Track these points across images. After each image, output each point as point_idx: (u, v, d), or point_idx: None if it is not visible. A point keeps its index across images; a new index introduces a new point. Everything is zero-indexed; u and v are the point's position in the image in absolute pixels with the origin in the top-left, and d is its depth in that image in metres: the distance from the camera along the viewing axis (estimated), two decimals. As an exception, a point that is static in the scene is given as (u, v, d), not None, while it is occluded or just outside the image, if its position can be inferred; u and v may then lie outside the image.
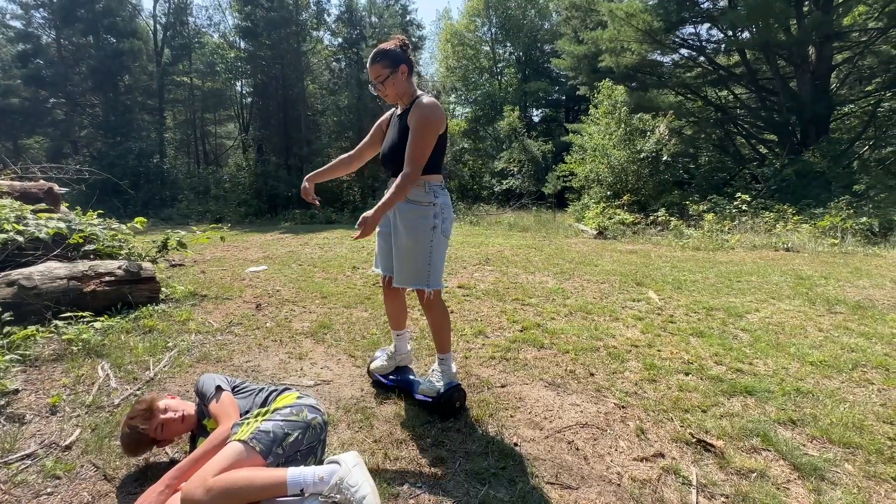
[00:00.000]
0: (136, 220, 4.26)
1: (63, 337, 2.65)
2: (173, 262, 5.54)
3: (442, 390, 1.99)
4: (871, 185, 8.96)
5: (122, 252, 3.89)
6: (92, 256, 3.72)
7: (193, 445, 1.68)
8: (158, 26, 21.86)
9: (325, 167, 2.26)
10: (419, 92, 1.95)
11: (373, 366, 2.31)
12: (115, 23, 19.19)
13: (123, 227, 4.22)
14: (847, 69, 12.23)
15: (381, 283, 2.20)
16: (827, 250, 6.85)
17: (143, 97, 20.95)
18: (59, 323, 2.73)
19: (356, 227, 1.76)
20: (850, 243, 7.11)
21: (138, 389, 2.24)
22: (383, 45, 1.90)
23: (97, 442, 1.78)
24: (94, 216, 4.20)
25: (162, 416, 1.62)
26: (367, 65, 1.91)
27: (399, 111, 2.00)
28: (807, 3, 10.69)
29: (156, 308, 3.48)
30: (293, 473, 1.32)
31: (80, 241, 3.64)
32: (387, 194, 1.81)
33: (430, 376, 2.11)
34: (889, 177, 9.78)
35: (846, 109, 12.03)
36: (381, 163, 2.07)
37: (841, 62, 11.87)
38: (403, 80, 1.91)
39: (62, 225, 3.55)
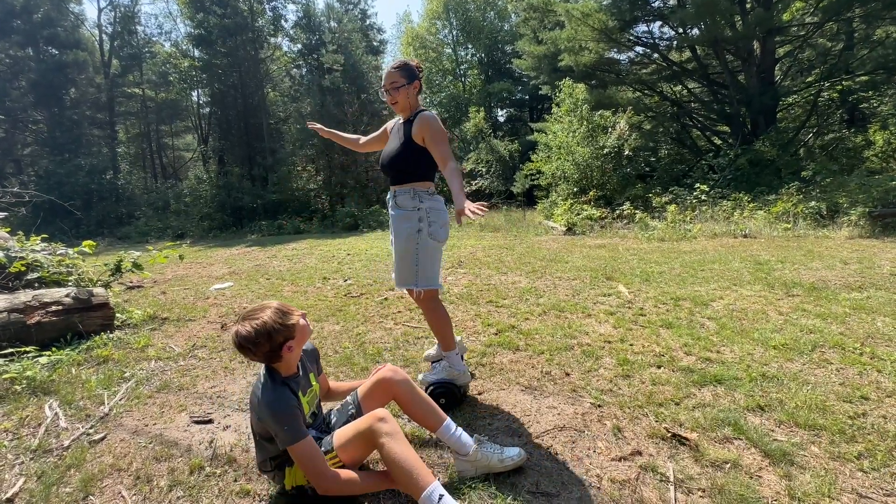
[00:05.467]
0: (85, 243, 4.00)
1: (4, 376, 2.45)
2: (131, 285, 5.27)
3: (433, 383, 2.13)
4: (816, 170, 9.47)
5: (70, 279, 3.64)
6: (36, 285, 3.46)
7: (292, 389, 1.54)
8: (105, 36, 20.84)
9: (344, 135, 2.57)
10: (421, 106, 2.16)
11: (425, 353, 2.50)
12: (56, 34, 18.18)
13: (71, 251, 3.96)
14: (789, 62, 12.94)
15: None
16: (781, 235, 7.19)
17: (92, 111, 19.94)
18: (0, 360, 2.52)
19: (458, 220, 1.88)
20: (801, 227, 7.49)
21: (91, 428, 2.08)
22: (402, 60, 2.14)
23: (44, 491, 1.64)
24: (38, 241, 3.92)
25: (301, 321, 1.56)
26: (386, 69, 2.11)
27: (401, 121, 2.19)
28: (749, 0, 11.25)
29: (110, 336, 3.28)
30: (436, 486, 1.38)
31: (22, 269, 3.39)
32: (454, 187, 1.87)
33: (431, 368, 2.25)
34: (832, 162, 10.39)
35: (790, 100, 12.69)
36: (381, 166, 2.22)
37: (783, 55, 12.54)
38: (414, 94, 2.11)
39: (0, 254, 3.30)
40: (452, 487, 1.57)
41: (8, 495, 1.62)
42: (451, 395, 2.12)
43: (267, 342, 1.46)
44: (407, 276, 2.10)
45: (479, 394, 2.27)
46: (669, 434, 1.82)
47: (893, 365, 2.36)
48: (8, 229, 4.92)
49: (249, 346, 1.46)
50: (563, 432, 1.90)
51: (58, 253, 3.94)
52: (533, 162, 14.36)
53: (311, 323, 3.52)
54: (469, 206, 1.72)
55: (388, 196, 2.23)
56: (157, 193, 19.36)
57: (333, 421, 1.73)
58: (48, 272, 3.55)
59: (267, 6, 18.01)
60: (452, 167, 1.95)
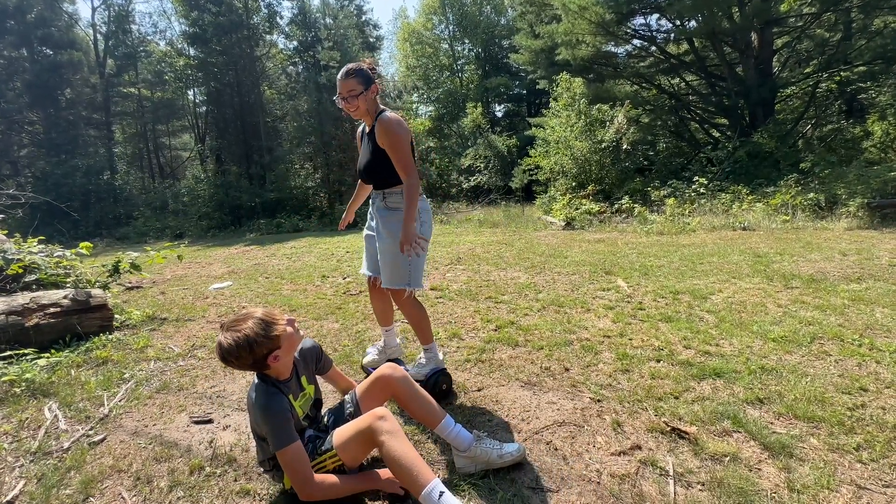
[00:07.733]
0: (82, 244, 3.99)
1: (3, 378, 2.44)
2: (129, 285, 5.26)
3: (428, 375, 2.15)
4: (815, 162, 9.46)
5: (68, 280, 3.63)
6: (34, 287, 3.46)
7: (283, 393, 1.51)
8: (99, 36, 20.67)
9: (354, 197, 2.52)
10: (381, 107, 2.09)
11: (365, 360, 2.49)
12: (50, 34, 18.06)
13: (68, 252, 3.95)
14: (787, 53, 12.88)
15: (367, 285, 2.43)
16: (780, 227, 7.19)
17: (88, 111, 19.83)
18: (-2, 363, 2.52)
19: (403, 248, 1.92)
20: (800, 219, 7.48)
21: (91, 429, 2.08)
22: (355, 64, 2.02)
23: (44, 493, 1.64)
24: (35, 243, 3.91)
25: (289, 329, 1.51)
26: (340, 79, 1.99)
27: (366, 128, 2.14)
28: (747, -10, 11.16)
29: (109, 337, 3.27)
30: (436, 484, 1.36)
31: (20, 271, 3.38)
32: (407, 211, 1.93)
33: (418, 361, 2.28)
34: (831, 153, 10.37)
35: (788, 91, 12.64)
36: (360, 176, 2.22)
37: (781, 46, 12.48)
38: (373, 99, 2.04)
39: (-3, 256, 3.29)
40: (452, 484, 1.57)
41: (8, 498, 1.62)
42: (450, 380, 2.23)
43: (249, 355, 1.42)
44: (399, 276, 2.09)
45: (479, 390, 2.27)
46: (669, 428, 1.82)
47: (892, 356, 2.36)
48: (5, 231, 4.91)
49: (232, 358, 1.42)
50: (562, 427, 1.90)
51: (55, 254, 3.93)
52: (531, 157, 14.32)
53: (310, 322, 3.53)
54: (411, 238, 1.88)
55: (371, 197, 2.25)
56: (155, 193, 19.27)
57: (332, 420, 1.73)
58: (46, 274, 3.54)
59: (262, 3, 17.86)
60: (410, 184, 1.94)
